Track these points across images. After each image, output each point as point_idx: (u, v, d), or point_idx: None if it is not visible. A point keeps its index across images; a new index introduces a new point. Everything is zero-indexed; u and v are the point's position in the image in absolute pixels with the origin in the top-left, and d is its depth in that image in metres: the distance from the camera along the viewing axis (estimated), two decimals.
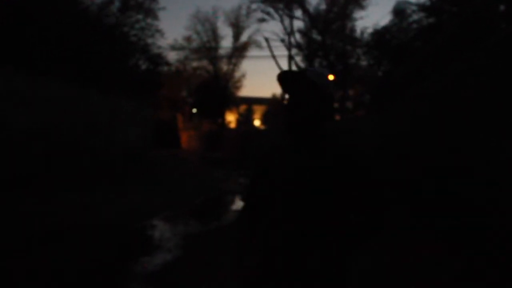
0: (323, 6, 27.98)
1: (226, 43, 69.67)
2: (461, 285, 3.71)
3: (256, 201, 1.77)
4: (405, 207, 6.56)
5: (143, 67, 21.18)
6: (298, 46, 27.45)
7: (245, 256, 1.79)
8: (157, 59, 21.32)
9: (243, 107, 51.07)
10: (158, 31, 20.97)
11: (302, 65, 27.26)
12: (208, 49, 40.77)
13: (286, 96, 1.71)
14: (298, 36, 27.64)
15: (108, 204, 8.24)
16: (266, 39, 29.31)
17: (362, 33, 24.72)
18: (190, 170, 16.90)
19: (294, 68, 27.32)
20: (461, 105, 5.88)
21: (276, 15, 28.06)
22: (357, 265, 1.61)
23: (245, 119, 51.23)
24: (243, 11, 42.21)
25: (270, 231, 1.63)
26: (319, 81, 1.63)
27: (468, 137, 5.54)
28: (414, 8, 16.53)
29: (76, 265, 4.74)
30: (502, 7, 10.21)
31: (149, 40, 20.61)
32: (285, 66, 40.76)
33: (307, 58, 26.69)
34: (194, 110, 42.90)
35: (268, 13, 28.36)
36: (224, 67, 41.55)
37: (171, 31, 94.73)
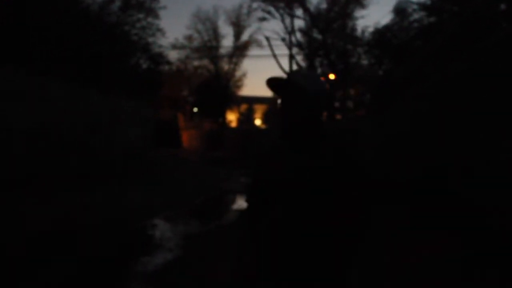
0: (324, 5, 27.94)
1: (227, 42, 69.80)
2: (461, 285, 3.71)
3: (256, 201, 1.78)
4: (405, 207, 6.56)
5: (144, 66, 21.18)
6: (299, 45, 27.41)
7: (245, 256, 1.79)
8: (158, 58, 21.32)
9: (244, 106, 51.09)
10: (159, 30, 20.96)
11: (303, 64, 27.23)
12: (209, 48, 40.76)
13: (279, 101, 1.72)
14: (299, 35, 27.59)
15: (108, 204, 8.24)
16: (267, 38, 29.18)
17: (363, 32, 24.70)
18: (191, 169, 16.91)
19: (295, 67, 27.30)
20: (461, 105, 5.87)
21: (277, 14, 28.01)
22: (357, 265, 1.61)
23: (246, 118, 51.26)
24: (244, 10, 42.01)
25: (270, 231, 1.63)
26: (305, 84, 1.62)
27: (468, 137, 5.54)
28: (415, 7, 16.51)
29: (76, 264, 4.75)
30: (503, 6, 10.19)
31: (150, 39, 20.61)
32: (286, 65, 40.61)
33: (308, 57, 26.66)
34: (195, 109, 42.90)
35: (269, 12, 28.31)
36: (225, 66, 41.58)
37: (172, 30, 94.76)
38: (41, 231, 6.03)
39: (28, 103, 9.07)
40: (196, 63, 42.64)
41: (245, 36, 52.00)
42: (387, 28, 18.53)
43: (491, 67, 5.20)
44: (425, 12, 15.38)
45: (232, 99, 41.56)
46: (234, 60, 41.35)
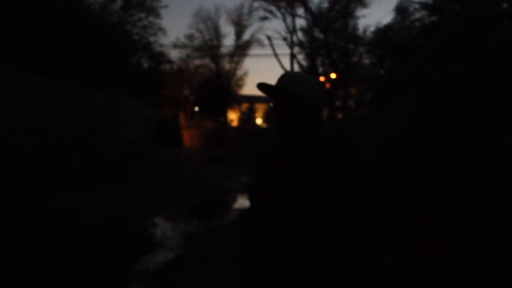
0: (325, 5, 27.93)
1: (229, 41, 69.71)
2: (461, 285, 3.70)
3: (257, 201, 1.78)
4: (405, 206, 6.55)
5: (145, 65, 21.19)
6: (300, 44, 27.39)
7: (245, 257, 1.80)
8: (159, 58, 21.32)
9: (245, 106, 51.10)
10: (161, 29, 20.97)
11: (304, 63, 27.22)
12: (210, 47, 40.79)
13: (271, 104, 1.73)
14: (300, 34, 27.58)
15: (109, 203, 8.25)
16: (269, 38, 29.24)
17: (364, 31, 24.68)
18: (192, 168, 16.92)
19: (296, 66, 27.31)
20: (462, 105, 5.86)
21: (278, 14, 28.02)
22: (357, 265, 1.62)
23: (247, 118, 51.28)
24: (245, 10, 42.13)
25: (270, 231, 1.63)
26: (293, 88, 1.61)
27: (469, 136, 5.53)
28: (416, 6, 16.48)
29: (77, 263, 4.75)
30: (504, 5, 10.17)
31: (151, 39, 20.61)
32: (287, 64, 40.55)
33: (310, 57, 26.65)
34: (196, 109, 42.92)
35: (270, 12, 28.31)
36: (226, 65, 41.59)
37: (174, 29, 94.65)
38: (41, 230, 6.05)
39: (28, 103, 9.08)
40: (197, 62, 42.75)
41: (246, 35, 51.93)
42: (388, 27, 18.51)
43: (492, 66, 5.19)
44: (426, 11, 15.35)
45: (233, 98, 41.58)
46: (235, 59, 41.40)
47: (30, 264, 4.60)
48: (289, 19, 27.72)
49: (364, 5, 26.02)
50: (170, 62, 23.33)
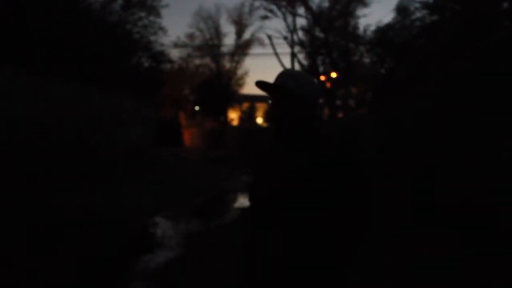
0: (326, 4, 27.90)
1: (229, 40, 69.67)
2: (461, 285, 3.70)
3: (257, 200, 1.78)
4: (405, 206, 6.55)
5: (146, 65, 21.18)
6: (301, 43, 27.36)
7: (245, 257, 1.80)
8: (160, 57, 21.31)
9: (245, 105, 51.08)
10: (161, 28, 20.97)
11: (304, 62, 27.19)
12: (210, 46, 40.79)
13: (269, 101, 1.73)
14: (301, 33, 27.54)
15: (109, 203, 8.26)
16: (269, 37, 29.23)
17: (365, 30, 24.64)
18: (192, 168, 16.92)
19: (296, 65, 27.28)
20: (463, 104, 5.85)
21: (279, 13, 27.96)
22: (357, 265, 1.62)
23: (247, 117, 51.25)
24: (246, 9, 42.14)
25: (270, 231, 1.63)
26: (292, 86, 1.61)
27: (470, 136, 5.52)
28: (417, 5, 16.46)
29: (77, 263, 4.76)
30: (505, 5, 10.16)
31: (152, 38, 20.60)
32: (288, 64, 40.60)
33: (310, 56, 26.62)
34: (197, 108, 42.93)
35: (271, 11, 28.27)
36: (227, 64, 41.59)
37: (174, 28, 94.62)
38: (41, 229, 6.05)
39: (28, 103, 9.07)
40: (197, 61, 42.77)
41: (247, 35, 51.94)
42: (389, 26, 18.50)
43: (493, 66, 5.18)
44: (427, 10, 15.33)
45: (233, 98, 41.57)
46: (236, 58, 41.39)
47: (30, 264, 4.60)
48: (289, 18, 27.69)
49: (365, 4, 26.00)
50: (170, 61, 23.34)
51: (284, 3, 27.30)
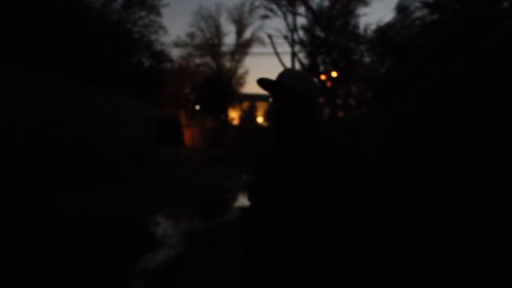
0: (326, 3, 27.88)
1: (229, 39, 69.50)
2: (461, 285, 3.71)
3: (257, 200, 1.79)
4: (406, 206, 6.56)
5: (146, 64, 21.17)
6: (301, 42, 27.34)
7: (246, 256, 1.81)
8: (160, 56, 21.31)
9: (246, 104, 51.02)
10: (161, 27, 20.97)
11: (305, 62, 27.18)
12: (211, 45, 40.75)
13: (270, 99, 1.73)
14: (301, 32, 27.50)
15: (109, 202, 8.27)
16: (269, 36, 29.14)
17: (365, 29, 24.60)
18: (192, 167, 16.93)
19: (297, 64, 27.27)
20: (463, 103, 5.86)
21: (279, 12, 27.92)
22: (357, 265, 1.64)
23: (248, 116, 51.20)
24: (246, 8, 42.09)
25: (270, 230, 1.64)
26: (293, 85, 1.62)
27: (470, 135, 5.53)
28: (417, 4, 16.45)
29: (78, 262, 4.77)
30: (505, 4, 10.15)
31: (152, 37, 20.60)
32: (288, 63, 40.58)
33: (310, 55, 26.59)
34: (197, 107, 42.91)
35: (271, 10, 28.23)
36: (227, 63, 41.55)
37: (174, 27, 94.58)
38: (41, 229, 6.07)
39: (28, 103, 9.08)
40: (198, 60, 42.72)
41: (247, 34, 51.90)
42: (389, 25, 18.48)
43: (493, 66, 5.19)
44: (427, 9, 15.32)
45: (234, 97, 41.55)
46: (236, 57, 41.35)
47: (30, 264, 4.61)
48: (290, 18, 27.65)
49: (365, 3, 25.94)
50: (171, 60, 23.35)
51: (284, 2, 27.28)
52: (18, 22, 10.32)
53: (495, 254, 4.02)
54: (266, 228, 1.67)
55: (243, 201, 9.67)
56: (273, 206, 1.64)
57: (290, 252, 1.59)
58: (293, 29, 27.35)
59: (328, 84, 25.06)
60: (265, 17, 29.33)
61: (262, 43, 49.69)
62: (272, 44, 29.53)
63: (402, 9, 17.80)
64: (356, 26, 26.00)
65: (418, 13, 16.55)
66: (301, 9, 27.50)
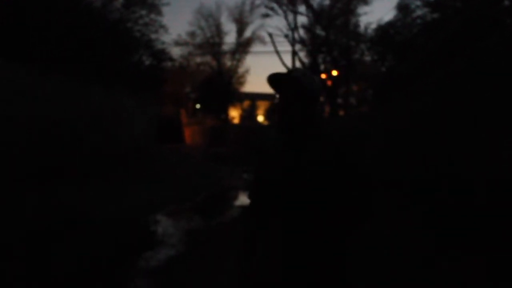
0: (327, 2, 27.83)
1: (230, 38, 69.70)
2: (462, 285, 3.72)
3: (258, 198, 1.80)
4: (405, 206, 6.57)
5: (147, 63, 21.14)
6: (302, 41, 27.35)
7: (246, 253, 1.82)
8: (161, 55, 21.28)
9: (246, 103, 51.06)
10: (162, 26, 20.92)
11: (305, 60, 27.18)
12: (211, 44, 40.74)
13: (277, 96, 1.75)
14: (302, 31, 27.52)
15: (110, 201, 8.28)
16: (270, 35, 29.22)
17: (366, 28, 24.60)
18: (193, 166, 16.95)
19: (297, 63, 27.27)
20: (463, 103, 5.87)
21: (279, 11, 27.94)
22: (358, 261, 1.66)
23: (248, 115, 51.25)
24: (247, 7, 42.09)
25: (273, 227, 1.66)
26: (305, 81, 1.66)
27: (470, 135, 5.53)
28: (418, 3, 16.44)
29: (78, 261, 4.79)
30: (506, 2, 10.14)
31: (153, 36, 20.56)
32: (288, 62, 40.59)
33: (311, 54, 26.60)
34: (198, 106, 42.93)
35: (272, 9, 28.24)
36: (228, 62, 41.54)
37: (175, 26, 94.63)
38: (41, 227, 6.08)
39: (28, 102, 9.08)
40: (198, 59, 42.72)
41: (248, 33, 51.79)
42: (390, 24, 18.46)
43: (493, 66, 5.19)
44: (428, 8, 15.32)
45: (234, 96, 41.56)
46: (236, 56, 41.34)
47: (30, 263, 4.62)
48: (290, 16, 27.66)
49: (366, 2, 25.95)
50: (171, 59, 23.28)
51: (285, 1, 27.29)
52: (18, 20, 10.33)
53: (496, 254, 4.02)
54: (268, 226, 1.68)
55: (243, 199, 9.68)
56: (275, 203, 1.65)
57: (291, 247, 1.60)
58: (294, 28, 27.36)
59: (329, 83, 25.06)
60: (266, 16, 29.36)
61: (262, 42, 49.78)
62: (273, 43, 29.60)
63: (402, 8, 17.78)
64: (356, 25, 26.01)
65: (419, 12, 16.55)
66: (302, 8, 27.52)
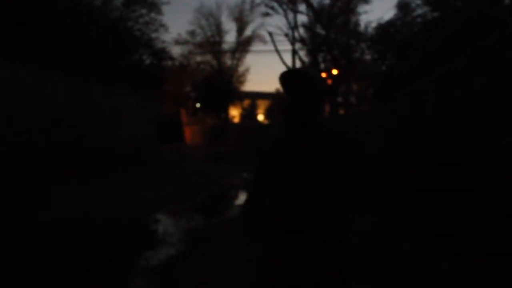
0: (327, 1, 27.81)
1: (230, 37, 69.67)
2: (461, 285, 3.72)
3: (261, 189, 1.81)
4: (406, 204, 6.57)
5: (147, 62, 21.15)
6: (302, 40, 27.34)
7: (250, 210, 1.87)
8: (161, 54, 21.28)
9: (246, 102, 51.08)
10: (162, 25, 20.94)
11: (306, 59, 27.17)
12: (212, 43, 40.76)
13: (284, 95, 1.77)
14: (302, 30, 27.51)
15: (110, 200, 8.29)
16: (270, 34, 29.08)
17: (366, 27, 24.64)
18: (193, 165, 16.95)
19: (298, 62, 27.26)
20: (464, 102, 5.86)
21: (280, 10, 27.92)
22: (358, 261, 1.68)
23: (248, 114, 51.26)
24: (247, 6, 42.07)
25: (280, 218, 1.68)
26: (318, 79, 1.72)
27: (470, 134, 5.53)
28: (418, 2, 16.44)
29: (78, 260, 4.79)
30: (506, 1, 10.13)
31: (153, 35, 20.58)
32: (288, 61, 40.62)
33: (311, 53, 26.60)
34: (198, 105, 42.94)
35: (272, 8, 28.22)
36: (228, 61, 41.57)
37: (175, 25, 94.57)
38: (41, 227, 6.08)
39: (29, 101, 9.09)
40: (199, 58, 42.74)
41: (248, 32, 51.88)
42: (390, 23, 18.47)
43: (494, 65, 5.19)
44: (428, 7, 15.32)
45: (234, 95, 41.58)
46: (237, 55, 41.37)
47: (31, 263, 4.63)
48: (290, 15, 27.64)
49: (366, 1, 25.94)
50: (171, 58, 23.29)
51: (285, 0, 27.27)
52: (18, 20, 10.33)
53: (496, 255, 4.03)
54: (275, 216, 1.70)
55: (243, 199, 9.69)
56: (281, 194, 1.68)
57: (300, 239, 1.63)
58: (294, 27, 27.34)
59: (329, 81, 25.05)
60: (266, 14, 29.31)
61: (262, 41, 49.81)
62: (273, 42, 29.60)
63: (403, 7, 17.79)
64: (357, 24, 26.03)
65: (419, 11, 16.56)
66: (302, 7, 27.50)
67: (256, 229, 1.89)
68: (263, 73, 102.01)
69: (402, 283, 3.76)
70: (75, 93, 11.22)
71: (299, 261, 1.62)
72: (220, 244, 5.64)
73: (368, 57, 24.16)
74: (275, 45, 44.23)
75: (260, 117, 53.05)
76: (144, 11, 20.06)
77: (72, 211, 7.06)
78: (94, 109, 12.26)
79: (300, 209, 1.64)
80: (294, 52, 27.53)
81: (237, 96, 43.27)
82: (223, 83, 38.77)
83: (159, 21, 20.79)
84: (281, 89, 1.89)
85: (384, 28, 18.81)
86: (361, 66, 25.37)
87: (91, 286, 4.18)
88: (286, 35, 28.01)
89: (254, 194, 1.88)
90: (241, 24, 40.41)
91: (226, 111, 41.11)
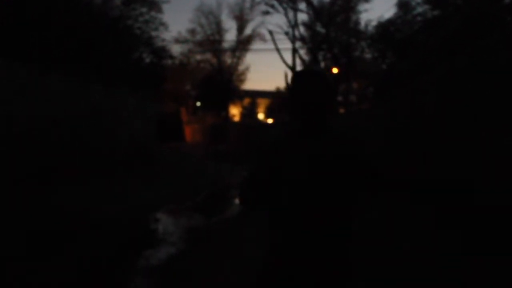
0: None
1: (230, 36, 69.58)
2: (462, 286, 3.73)
3: (261, 185, 1.83)
4: (406, 204, 6.57)
5: (147, 60, 21.13)
6: (302, 39, 27.31)
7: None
8: (161, 52, 21.25)
9: (247, 100, 51.01)
10: (162, 24, 20.91)
11: (306, 58, 27.15)
12: (212, 42, 40.71)
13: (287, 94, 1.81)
14: (302, 29, 27.48)
15: (110, 200, 8.30)
16: (270, 32, 29.07)
17: (366, 26, 24.57)
18: (193, 164, 16.97)
19: (298, 61, 27.24)
20: (464, 101, 5.86)
21: (280, 8, 27.88)
22: (359, 260, 1.70)
23: (249, 113, 51.22)
24: (247, 4, 42.03)
25: (281, 218, 1.69)
26: (328, 78, 1.76)
27: (470, 134, 5.53)
28: (418, 0, 16.41)
29: (78, 260, 4.80)
30: (507, 0, 10.12)
31: (153, 33, 20.55)
32: (289, 59, 40.47)
33: (311, 51, 26.57)
34: (198, 104, 42.91)
35: (272, 6, 28.18)
36: (228, 60, 41.52)
37: (175, 24, 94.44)
38: (41, 226, 6.09)
39: (29, 100, 9.08)
40: (199, 57, 42.67)
41: (248, 30, 51.91)
42: (390, 21, 18.43)
43: (493, 64, 5.18)
44: (428, 5, 15.29)
45: (235, 93, 41.54)
46: (237, 54, 41.31)
47: (31, 263, 4.63)
48: (291, 14, 27.61)
49: None
50: (172, 57, 23.26)
51: None
52: (18, 18, 10.31)
53: (496, 255, 4.03)
54: (279, 216, 1.72)
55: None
56: (285, 193, 1.69)
57: (303, 238, 1.64)
58: (294, 25, 27.31)
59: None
60: (266, 13, 29.27)
61: (263, 39, 49.62)
62: (273, 40, 29.63)
63: (403, 5, 17.76)
64: (357, 22, 25.97)
65: (419, 9, 16.53)
66: (302, 5, 27.45)
67: (251, 198, 1.92)
68: (263, 71, 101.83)
69: (402, 283, 3.77)
70: (75, 93, 11.21)
71: (300, 261, 1.63)
72: (220, 243, 5.66)
73: (368, 55, 24.13)
74: (275, 44, 44.24)
75: (260, 116, 53.01)
76: (144, 9, 20.04)
77: (72, 211, 7.07)
78: (93, 108, 12.25)
79: (302, 209, 1.65)
80: (294, 51, 27.51)
81: (237, 94, 43.23)
82: (223, 82, 38.73)
83: (159, 20, 20.77)
84: (281, 87, 1.92)
85: (384, 27, 18.78)
86: (361, 64, 25.33)
87: (91, 286, 4.19)
88: (286, 33, 28.00)
89: (255, 174, 1.89)
90: (241, 23, 40.38)
91: (226, 110, 41.08)
